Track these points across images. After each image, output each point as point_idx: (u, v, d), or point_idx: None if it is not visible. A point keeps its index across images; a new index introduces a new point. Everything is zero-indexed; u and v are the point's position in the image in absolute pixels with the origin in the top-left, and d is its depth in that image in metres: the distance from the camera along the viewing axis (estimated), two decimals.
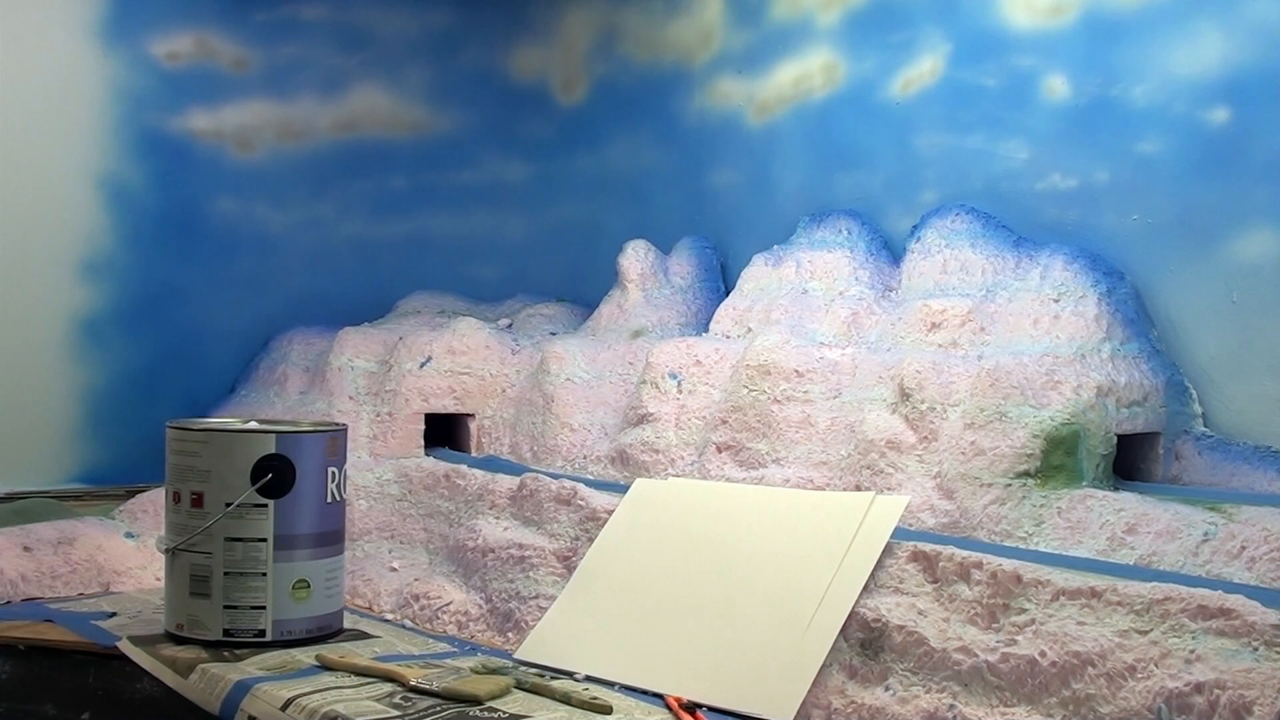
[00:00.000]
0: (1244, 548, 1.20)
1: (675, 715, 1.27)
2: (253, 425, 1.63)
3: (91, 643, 1.52)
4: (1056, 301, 1.51)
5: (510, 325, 2.19)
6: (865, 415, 1.52)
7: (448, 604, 1.67)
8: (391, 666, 1.38)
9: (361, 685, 1.34)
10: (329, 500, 1.55)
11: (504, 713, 1.25)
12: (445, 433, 2.01)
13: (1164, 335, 1.51)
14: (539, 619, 1.54)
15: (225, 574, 1.49)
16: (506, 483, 1.76)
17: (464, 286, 2.35)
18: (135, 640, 1.51)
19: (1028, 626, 1.19)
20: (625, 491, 1.63)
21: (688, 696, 1.30)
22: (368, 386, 2.00)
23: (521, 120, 2.42)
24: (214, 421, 1.74)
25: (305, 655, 1.45)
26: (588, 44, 2.34)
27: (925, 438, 1.46)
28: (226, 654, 1.46)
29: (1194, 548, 1.23)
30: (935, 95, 1.76)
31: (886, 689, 1.26)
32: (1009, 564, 1.24)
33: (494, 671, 1.38)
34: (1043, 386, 1.41)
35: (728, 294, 1.92)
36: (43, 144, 2.01)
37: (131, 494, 1.95)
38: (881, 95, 1.83)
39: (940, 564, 1.30)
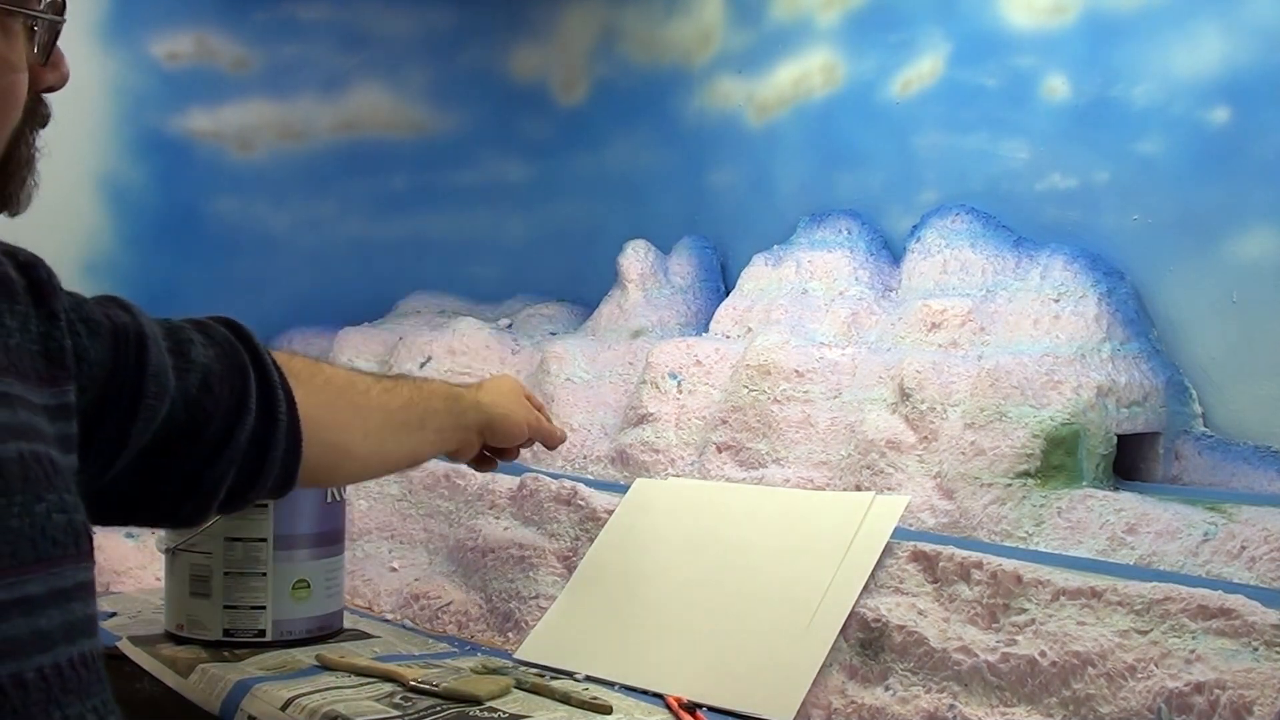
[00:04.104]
0: (1244, 548, 1.20)
1: (675, 715, 1.27)
2: None
3: None
4: (1056, 301, 1.51)
5: (510, 325, 2.19)
6: (865, 415, 1.52)
7: (448, 604, 1.67)
8: (391, 666, 1.38)
9: (361, 685, 1.34)
10: (329, 500, 1.55)
11: (504, 713, 1.25)
12: None
13: (1164, 335, 1.51)
14: (539, 619, 1.54)
15: (225, 574, 1.49)
16: (506, 483, 1.76)
17: (464, 286, 2.35)
18: (135, 640, 1.51)
19: (1028, 626, 1.19)
20: (625, 491, 1.63)
21: (688, 696, 1.30)
22: None
23: (521, 120, 2.42)
24: None
25: (305, 655, 1.45)
26: (588, 44, 2.34)
27: (925, 438, 1.46)
28: (226, 654, 1.46)
29: (1194, 548, 1.23)
30: (935, 95, 1.76)
31: (886, 689, 1.26)
32: (1009, 564, 1.24)
33: (494, 671, 1.38)
34: (1043, 386, 1.41)
35: (728, 294, 1.92)
36: (43, 144, 2.01)
37: None
38: (881, 95, 1.83)
39: (940, 564, 1.30)
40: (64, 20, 0.84)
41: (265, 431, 1.05)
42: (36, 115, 0.87)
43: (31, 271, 0.88)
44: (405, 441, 1.26)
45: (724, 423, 1.65)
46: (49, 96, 0.87)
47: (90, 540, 0.83)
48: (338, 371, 1.24)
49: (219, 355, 1.03)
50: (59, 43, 0.85)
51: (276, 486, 1.08)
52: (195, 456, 1.00)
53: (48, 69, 0.85)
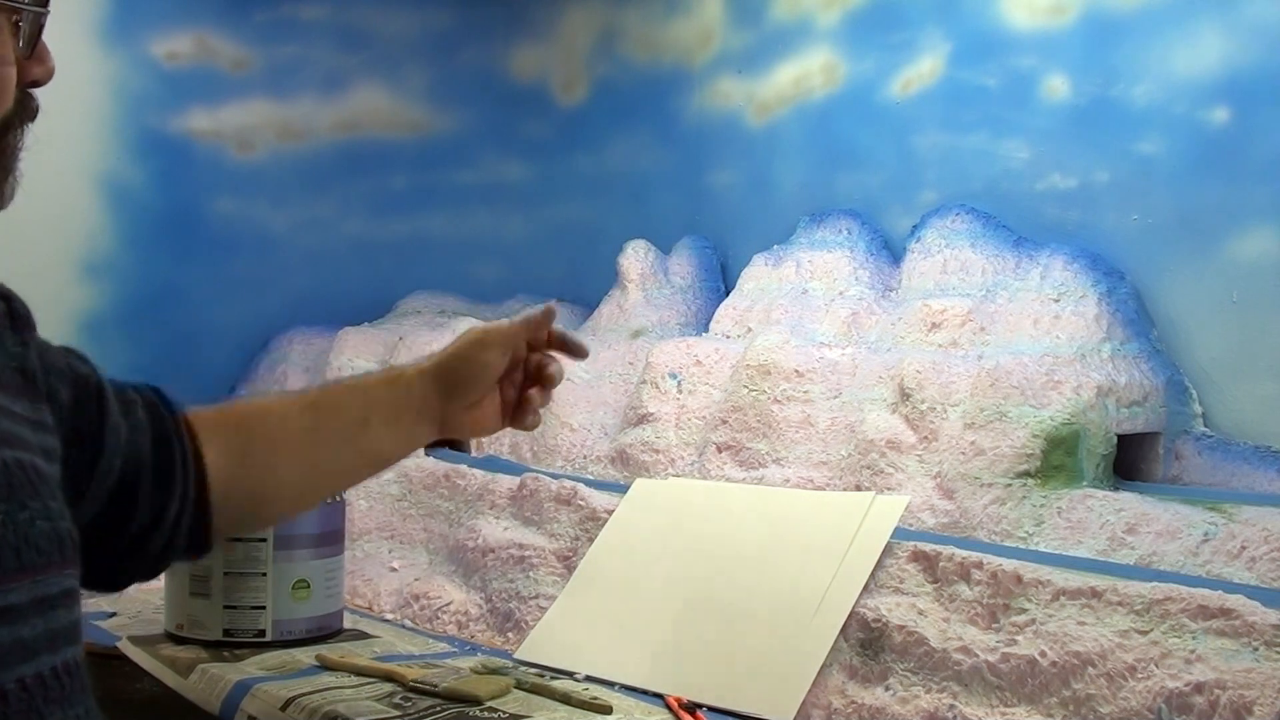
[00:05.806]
0: (1244, 548, 1.20)
1: (675, 715, 1.27)
2: None
3: (91, 642, 1.51)
4: (1056, 301, 1.51)
5: None
6: (865, 415, 1.52)
7: (448, 604, 1.67)
8: (391, 666, 1.38)
9: (361, 685, 1.34)
10: (329, 500, 1.55)
11: (504, 713, 1.25)
12: None
13: (1164, 335, 1.51)
14: (539, 619, 1.54)
15: (225, 574, 1.49)
16: (506, 483, 1.76)
17: (464, 286, 2.35)
18: (135, 640, 1.50)
19: (1028, 626, 1.19)
20: (625, 491, 1.63)
21: (688, 696, 1.30)
22: None
23: (521, 120, 2.42)
24: None
25: (305, 655, 1.45)
26: (588, 44, 2.34)
27: (925, 438, 1.46)
28: (226, 654, 1.46)
29: (1194, 548, 1.23)
30: (935, 95, 1.76)
31: (886, 689, 1.26)
32: (1009, 564, 1.24)
33: (494, 671, 1.38)
34: (1043, 386, 1.41)
35: (728, 294, 1.92)
36: (43, 144, 2.01)
37: None
38: (881, 95, 1.83)
39: (940, 564, 1.30)
40: (48, 12, 0.84)
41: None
42: (24, 110, 0.86)
43: (8, 302, 0.88)
44: (350, 449, 1.14)
45: (724, 423, 1.65)
46: (39, 92, 0.87)
47: (75, 547, 0.81)
48: (252, 406, 1.17)
49: (151, 420, 1.00)
50: (49, 39, 0.85)
51: (190, 549, 1.04)
52: (140, 519, 0.98)
53: (33, 62, 0.84)
